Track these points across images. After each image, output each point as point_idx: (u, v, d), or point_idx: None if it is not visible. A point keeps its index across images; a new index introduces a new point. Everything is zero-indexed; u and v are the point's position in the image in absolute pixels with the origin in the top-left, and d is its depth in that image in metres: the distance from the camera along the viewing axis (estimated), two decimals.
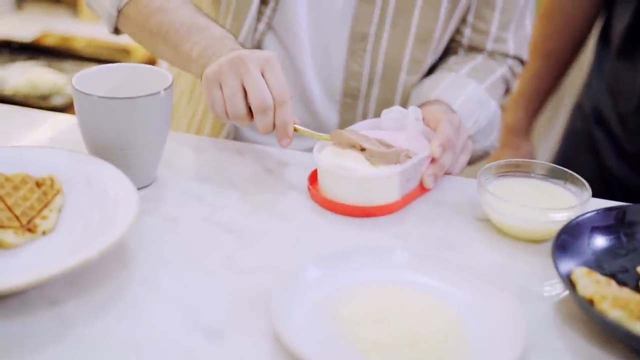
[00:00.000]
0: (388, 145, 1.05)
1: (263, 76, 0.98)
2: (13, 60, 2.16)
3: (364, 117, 1.29)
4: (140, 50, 2.32)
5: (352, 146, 1.01)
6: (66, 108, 1.85)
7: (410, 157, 1.03)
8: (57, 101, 1.93)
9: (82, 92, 0.96)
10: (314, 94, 1.27)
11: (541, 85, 1.77)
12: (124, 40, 2.45)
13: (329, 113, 1.30)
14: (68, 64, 2.18)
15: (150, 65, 1.05)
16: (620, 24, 1.51)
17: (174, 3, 1.11)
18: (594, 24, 1.68)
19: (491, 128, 1.27)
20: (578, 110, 1.71)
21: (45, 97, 1.93)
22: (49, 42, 2.38)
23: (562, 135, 1.78)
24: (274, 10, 1.20)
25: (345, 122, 1.29)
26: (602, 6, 1.63)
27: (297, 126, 1.02)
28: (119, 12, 1.16)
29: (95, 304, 0.81)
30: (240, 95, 0.98)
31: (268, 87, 0.97)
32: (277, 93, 0.97)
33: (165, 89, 0.97)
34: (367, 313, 0.78)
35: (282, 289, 0.79)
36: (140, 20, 1.13)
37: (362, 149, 1.00)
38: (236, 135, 1.31)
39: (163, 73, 1.02)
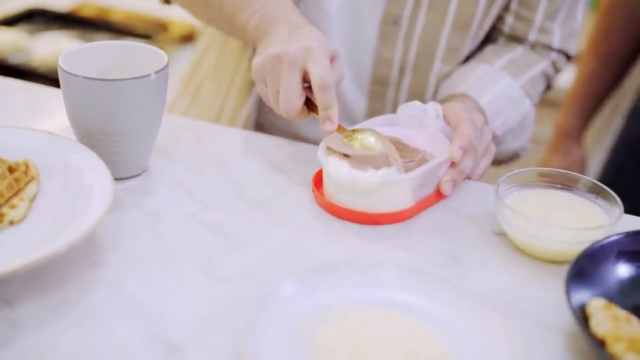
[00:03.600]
0: (404, 145, 0.96)
1: (306, 67, 0.91)
2: (46, 30, 2.11)
3: (394, 107, 1.19)
4: (177, 26, 2.25)
5: (335, 152, 0.91)
6: None
7: (427, 161, 0.93)
8: None
9: (67, 72, 0.89)
10: None
11: (597, 87, 1.66)
12: (163, 13, 2.41)
13: (357, 100, 1.20)
14: (102, 36, 2.12)
15: (148, 45, 0.97)
16: None
17: None
18: None
19: (522, 128, 1.16)
20: (634, 114, 1.59)
21: None
22: (86, 12, 2.32)
23: (616, 141, 1.66)
24: None
25: (374, 110, 1.20)
26: None
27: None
28: None
29: (52, 307, 0.74)
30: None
31: (310, 76, 0.90)
32: (317, 79, 0.90)
33: (156, 72, 0.89)
34: (346, 339, 0.69)
35: (256, 306, 0.71)
36: None
37: (346, 156, 0.90)
38: (258, 117, 1.23)
39: (159, 53, 0.94)
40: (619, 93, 1.77)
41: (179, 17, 2.36)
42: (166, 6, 1.21)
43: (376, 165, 0.88)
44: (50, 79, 1.74)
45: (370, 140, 0.91)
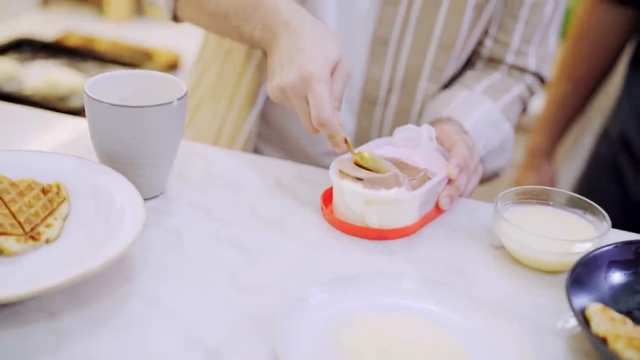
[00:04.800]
0: (404, 164, 1.03)
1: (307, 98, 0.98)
2: (34, 59, 2.16)
3: (381, 124, 1.26)
4: (161, 55, 2.31)
5: (348, 176, 0.98)
6: (83, 111, 1.84)
7: (429, 178, 1.01)
8: (76, 102, 1.91)
9: (93, 99, 0.94)
10: None
11: (567, 109, 1.75)
12: (146, 42, 2.47)
13: (346, 118, 1.27)
14: (89, 65, 2.17)
15: (166, 74, 1.03)
16: None
17: None
18: (623, 51, 1.65)
19: (503, 149, 1.24)
20: (604, 135, 1.69)
21: (63, 99, 1.92)
22: (72, 42, 2.37)
23: (587, 161, 1.75)
24: (303, 4, 1.18)
25: (362, 128, 1.27)
26: (634, 30, 1.60)
27: (347, 138, 1.00)
28: None
29: (94, 318, 0.79)
30: None
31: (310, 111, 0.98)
32: (314, 116, 0.97)
33: (178, 99, 0.96)
34: (371, 342, 0.76)
35: (287, 312, 0.77)
36: (198, 3, 1.14)
37: (359, 179, 0.97)
38: (257, 142, 1.30)
39: (177, 82, 1.00)
40: (586, 114, 1.86)
41: (162, 46, 2.42)
42: (175, 23, 1.24)
43: (388, 186, 0.95)
44: (43, 106, 1.79)
45: (380, 162, 0.98)
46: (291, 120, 1.28)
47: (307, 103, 0.98)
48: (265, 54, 1.07)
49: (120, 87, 1.01)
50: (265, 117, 1.29)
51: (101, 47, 2.35)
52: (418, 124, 1.24)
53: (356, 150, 1.01)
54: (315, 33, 1.01)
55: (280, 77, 0.98)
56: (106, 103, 0.94)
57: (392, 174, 0.96)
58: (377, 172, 0.98)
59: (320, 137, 1.16)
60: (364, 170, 0.98)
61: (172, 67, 2.27)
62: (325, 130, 0.98)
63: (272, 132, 1.30)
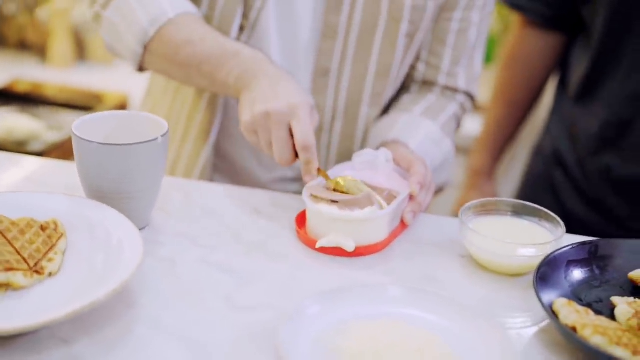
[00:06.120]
0: (369, 185, 1.11)
1: (291, 125, 1.06)
2: None
3: (328, 149, 1.34)
4: (111, 96, 2.36)
5: (323, 200, 1.05)
6: (43, 154, 1.87)
7: (395, 196, 1.09)
8: (35, 147, 1.95)
9: (82, 139, 1.00)
10: None
11: (504, 131, 1.85)
12: (96, 86, 2.52)
13: None
14: (41, 110, 2.20)
15: (147, 113, 1.09)
16: (577, 73, 1.60)
17: (198, 33, 1.17)
18: (553, 73, 1.76)
19: (445, 165, 1.33)
20: (538, 152, 1.79)
21: (22, 144, 1.95)
22: (21, 88, 2.40)
23: (523, 177, 1.86)
24: (249, 37, 1.26)
25: None
26: (560, 56, 1.71)
27: (320, 168, 1.09)
28: (145, 48, 1.20)
29: (104, 343, 0.85)
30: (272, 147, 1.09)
31: (293, 135, 1.06)
32: (300, 140, 1.05)
33: (162, 136, 1.02)
34: (365, 346, 0.83)
35: (285, 325, 0.84)
36: (169, 54, 1.18)
37: (334, 202, 1.05)
38: (213, 171, 1.37)
39: (158, 120, 1.07)
40: (522, 133, 1.97)
41: (107, 88, 2.46)
42: (140, 73, 1.28)
43: (362, 206, 1.03)
44: (1, 151, 1.81)
45: (354, 184, 1.06)
46: (243, 152, 1.35)
47: (288, 132, 1.06)
48: (236, 97, 1.14)
49: (103, 127, 1.07)
50: (218, 150, 1.36)
51: (50, 92, 2.38)
52: (362, 148, 1.33)
53: (329, 173, 1.09)
54: (294, 81, 1.11)
55: (266, 104, 1.06)
56: (95, 142, 0.99)
57: (364, 194, 1.04)
58: (353, 193, 1.06)
59: (271, 165, 1.24)
60: (337, 194, 1.06)
61: (122, 107, 2.32)
62: (306, 154, 1.06)
63: (225, 164, 1.37)
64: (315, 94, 1.30)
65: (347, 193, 1.07)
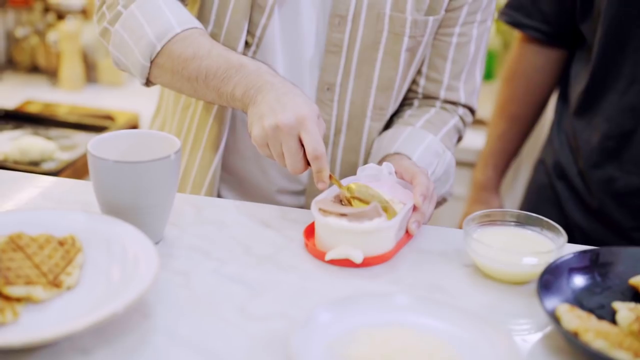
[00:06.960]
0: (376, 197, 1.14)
1: (300, 136, 1.09)
2: (0, 129, 2.23)
3: (332, 163, 1.38)
4: (122, 116, 2.40)
5: (331, 213, 1.09)
6: (57, 173, 1.91)
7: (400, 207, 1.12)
8: (49, 167, 1.99)
9: (97, 157, 1.04)
10: None
11: (507, 145, 1.88)
12: (107, 106, 2.56)
13: None
14: (53, 131, 2.24)
15: (158, 131, 1.13)
16: (578, 86, 1.63)
17: (204, 47, 1.20)
18: (554, 87, 1.79)
19: (447, 176, 1.36)
20: (541, 165, 1.82)
21: (36, 163, 1.99)
22: (32, 109, 2.44)
23: (527, 189, 1.88)
24: (255, 53, 1.29)
25: None
26: (561, 71, 1.74)
27: (332, 174, 1.12)
28: (152, 63, 1.23)
29: (123, 352, 0.88)
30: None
31: (304, 146, 1.09)
32: (311, 151, 1.09)
33: (175, 152, 1.06)
34: (376, 353, 0.86)
35: (297, 332, 0.87)
36: (176, 68, 1.21)
37: (342, 215, 1.08)
38: (220, 187, 1.40)
39: (169, 138, 1.10)
40: (525, 148, 2.00)
41: (120, 108, 2.51)
42: (147, 87, 1.30)
43: (370, 217, 1.06)
44: (17, 171, 1.84)
45: (365, 189, 1.10)
46: (250, 166, 1.39)
47: (298, 142, 1.09)
48: (243, 110, 1.17)
49: (117, 146, 1.11)
50: (225, 165, 1.39)
51: (61, 112, 2.42)
52: (366, 162, 1.36)
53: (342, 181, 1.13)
54: (298, 91, 1.14)
55: (275, 117, 1.09)
56: (110, 160, 1.03)
57: (372, 206, 1.07)
58: (366, 199, 1.09)
59: (274, 176, 1.27)
60: (345, 207, 1.10)
61: (133, 126, 2.37)
62: (317, 163, 1.09)
63: (231, 176, 1.41)
64: (320, 108, 1.32)
65: (359, 198, 1.10)
